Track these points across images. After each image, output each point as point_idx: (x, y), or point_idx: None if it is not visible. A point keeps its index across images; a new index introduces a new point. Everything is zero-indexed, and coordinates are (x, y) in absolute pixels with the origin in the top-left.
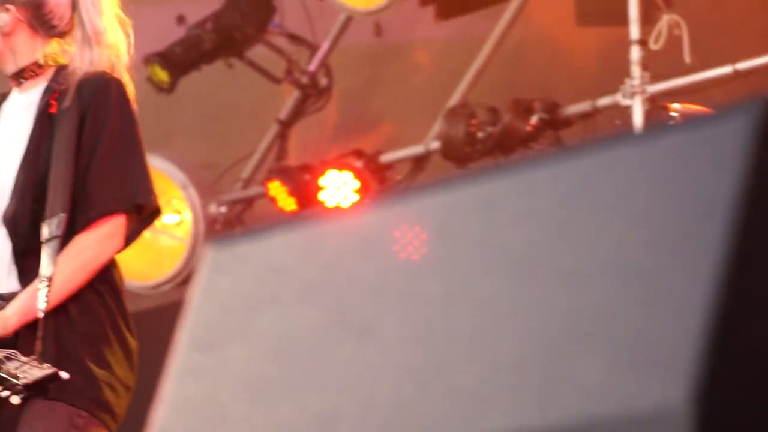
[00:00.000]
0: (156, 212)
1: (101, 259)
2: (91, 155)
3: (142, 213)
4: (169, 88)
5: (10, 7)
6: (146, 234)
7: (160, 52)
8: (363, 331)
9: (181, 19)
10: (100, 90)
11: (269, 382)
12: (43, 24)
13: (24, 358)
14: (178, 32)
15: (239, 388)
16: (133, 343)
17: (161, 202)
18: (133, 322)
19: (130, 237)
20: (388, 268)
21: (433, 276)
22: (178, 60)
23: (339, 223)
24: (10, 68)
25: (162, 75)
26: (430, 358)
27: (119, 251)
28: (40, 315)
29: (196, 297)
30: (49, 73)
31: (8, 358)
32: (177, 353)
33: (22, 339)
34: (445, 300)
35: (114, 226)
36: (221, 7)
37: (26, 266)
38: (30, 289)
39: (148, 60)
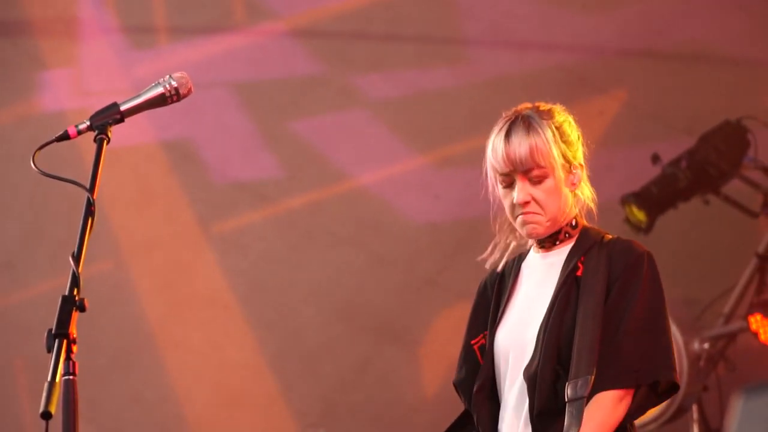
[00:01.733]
0: (674, 388)
1: (614, 425)
2: (617, 325)
3: (658, 388)
4: (647, 228)
5: (580, 163)
6: None
7: (636, 192)
8: None
9: (655, 159)
10: (633, 263)
11: None
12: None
13: None
14: (653, 171)
15: None
16: None
17: None
18: None
19: (641, 410)
20: None
21: None
22: (655, 199)
23: None
24: (550, 229)
25: (639, 215)
26: None
27: (626, 418)
28: None
29: None
30: (576, 233)
31: None
32: None
33: None
34: None
35: (628, 395)
36: (695, 144)
37: (540, 425)
38: None
39: (625, 200)
